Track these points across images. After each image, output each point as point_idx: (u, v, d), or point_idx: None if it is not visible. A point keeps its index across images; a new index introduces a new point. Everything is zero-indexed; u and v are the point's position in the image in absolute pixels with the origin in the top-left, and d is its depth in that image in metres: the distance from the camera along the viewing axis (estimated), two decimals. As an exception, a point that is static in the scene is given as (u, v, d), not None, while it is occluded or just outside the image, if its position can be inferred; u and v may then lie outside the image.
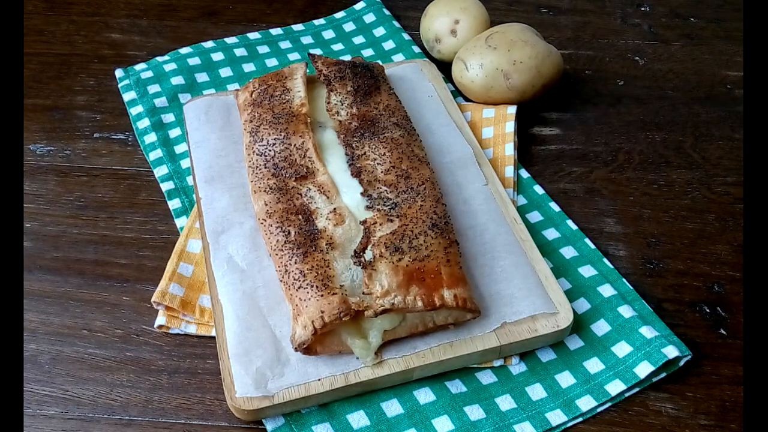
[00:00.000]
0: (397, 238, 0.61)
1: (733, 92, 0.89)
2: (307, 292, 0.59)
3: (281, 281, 0.62)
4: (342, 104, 0.74)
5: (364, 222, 0.63)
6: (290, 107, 0.73)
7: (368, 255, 0.60)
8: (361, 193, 0.66)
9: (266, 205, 0.66)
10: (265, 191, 0.67)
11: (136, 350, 0.64)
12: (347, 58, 0.90)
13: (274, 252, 0.63)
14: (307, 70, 0.79)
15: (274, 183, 0.67)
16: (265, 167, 0.69)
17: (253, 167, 0.70)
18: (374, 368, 0.59)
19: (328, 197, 0.65)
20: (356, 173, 0.67)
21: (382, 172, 0.68)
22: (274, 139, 0.71)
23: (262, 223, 0.65)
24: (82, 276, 0.70)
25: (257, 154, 0.70)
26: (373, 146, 0.70)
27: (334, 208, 0.64)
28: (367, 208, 0.65)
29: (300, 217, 0.64)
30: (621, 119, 0.86)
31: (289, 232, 0.63)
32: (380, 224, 0.62)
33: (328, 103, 0.75)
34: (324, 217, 0.64)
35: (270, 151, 0.70)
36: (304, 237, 0.62)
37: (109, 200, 0.77)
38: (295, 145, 0.70)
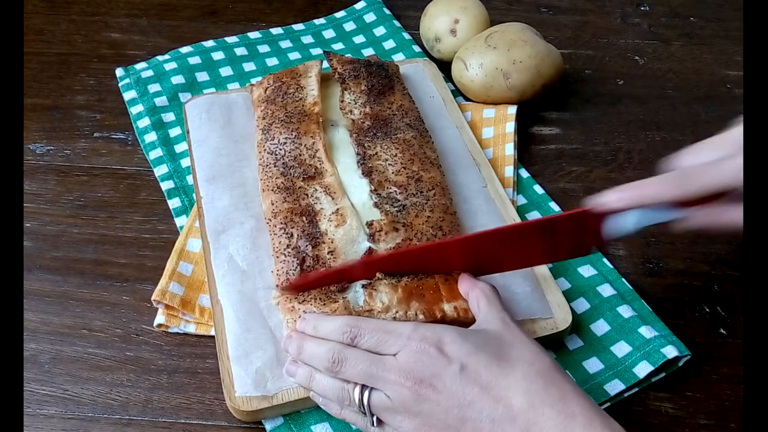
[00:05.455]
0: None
1: (733, 92, 0.89)
2: (310, 305, 0.59)
3: (278, 286, 0.61)
4: (355, 103, 0.75)
5: (370, 225, 0.63)
6: (303, 106, 0.74)
7: None
8: (370, 191, 0.66)
9: (273, 204, 0.66)
10: (272, 190, 0.67)
11: (135, 350, 0.64)
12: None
13: (276, 254, 0.63)
14: (322, 68, 0.79)
15: (282, 182, 0.67)
16: (275, 166, 0.69)
17: (263, 165, 0.70)
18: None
19: (333, 198, 0.65)
20: (367, 173, 0.68)
21: (393, 172, 0.68)
22: (285, 138, 0.71)
23: (267, 223, 0.66)
24: (82, 276, 0.70)
25: (268, 153, 0.70)
26: (385, 146, 0.70)
27: (337, 209, 0.64)
28: (375, 205, 0.65)
29: (304, 218, 0.64)
30: (621, 119, 0.86)
31: (292, 234, 0.63)
32: (385, 232, 0.62)
33: (342, 101, 0.75)
34: (327, 218, 0.64)
35: (280, 150, 0.70)
36: (306, 242, 0.62)
37: (108, 200, 0.77)
38: (305, 145, 0.70)
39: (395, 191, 0.66)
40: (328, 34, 0.96)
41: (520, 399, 0.48)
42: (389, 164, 0.68)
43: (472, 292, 0.58)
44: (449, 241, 0.61)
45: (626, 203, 0.55)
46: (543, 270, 0.66)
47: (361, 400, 0.53)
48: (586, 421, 0.47)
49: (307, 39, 0.95)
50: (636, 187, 0.55)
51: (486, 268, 0.61)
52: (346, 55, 0.82)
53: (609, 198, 0.55)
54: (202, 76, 0.88)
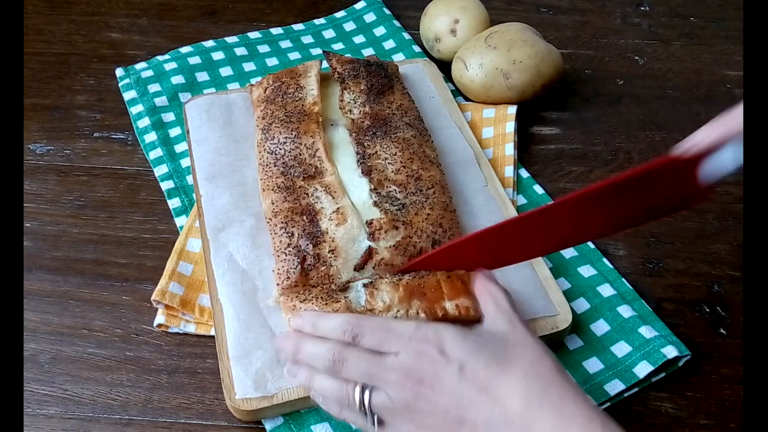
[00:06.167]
0: (399, 254, 0.61)
1: (733, 92, 0.89)
2: (312, 304, 0.59)
3: (279, 285, 0.61)
4: (355, 102, 0.75)
5: (369, 224, 0.63)
6: (302, 105, 0.74)
7: (368, 272, 0.61)
8: (370, 190, 0.66)
9: (273, 204, 0.66)
10: (273, 190, 0.67)
11: (135, 350, 0.64)
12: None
13: (276, 254, 0.63)
14: (322, 68, 0.79)
15: (282, 182, 0.67)
16: (275, 165, 0.69)
17: (263, 165, 0.70)
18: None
19: (333, 197, 0.65)
20: (367, 172, 0.68)
21: (392, 171, 0.68)
22: (285, 137, 0.71)
23: (268, 222, 0.66)
24: (82, 276, 0.70)
25: (268, 152, 0.70)
26: (385, 146, 0.70)
27: (338, 208, 0.64)
28: (375, 204, 0.65)
29: (305, 218, 0.64)
30: (621, 119, 0.86)
31: (292, 234, 0.63)
32: (385, 230, 0.62)
33: (342, 101, 0.75)
34: (327, 217, 0.64)
35: (280, 149, 0.70)
36: (307, 240, 0.62)
37: (108, 200, 0.77)
38: (305, 145, 0.70)
39: (395, 190, 0.66)
40: (328, 34, 0.96)
41: (518, 401, 0.48)
42: (389, 163, 0.69)
43: (483, 293, 0.57)
44: (490, 228, 0.58)
45: (717, 137, 0.51)
46: (544, 270, 0.66)
47: (361, 400, 0.53)
48: (585, 422, 0.47)
49: (307, 39, 0.95)
50: (722, 121, 0.51)
51: (541, 249, 0.60)
52: (346, 55, 0.82)
53: (698, 137, 0.51)
54: (202, 76, 0.88)
